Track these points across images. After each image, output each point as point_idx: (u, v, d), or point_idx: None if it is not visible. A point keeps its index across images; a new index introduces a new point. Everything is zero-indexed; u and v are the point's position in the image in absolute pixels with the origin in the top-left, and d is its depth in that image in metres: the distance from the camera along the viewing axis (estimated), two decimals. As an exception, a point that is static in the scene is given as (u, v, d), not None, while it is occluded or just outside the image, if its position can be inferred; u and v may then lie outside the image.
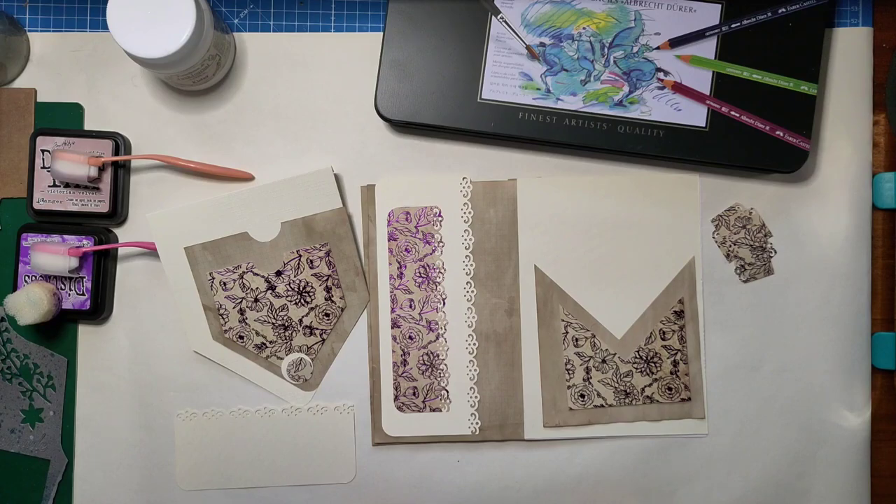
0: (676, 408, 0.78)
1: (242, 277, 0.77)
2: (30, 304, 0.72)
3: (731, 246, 0.78)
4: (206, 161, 0.77)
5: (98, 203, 0.76)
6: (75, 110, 0.77)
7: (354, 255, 0.77)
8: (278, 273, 0.77)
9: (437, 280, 0.78)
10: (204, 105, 0.78)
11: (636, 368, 0.78)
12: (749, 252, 0.78)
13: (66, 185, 0.76)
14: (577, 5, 0.75)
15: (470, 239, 0.78)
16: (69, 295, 0.76)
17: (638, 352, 0.78)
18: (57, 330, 0.78)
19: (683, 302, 0.78)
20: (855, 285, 0.79)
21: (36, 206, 0.76)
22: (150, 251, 0.77)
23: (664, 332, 0.78)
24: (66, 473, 0.78)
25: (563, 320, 0.78)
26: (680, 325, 0.78)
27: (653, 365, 0.78)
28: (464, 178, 0.78)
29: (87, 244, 0.75)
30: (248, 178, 0.77)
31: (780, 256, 0.78)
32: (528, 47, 0.74)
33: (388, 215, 0.78)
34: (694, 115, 0.75)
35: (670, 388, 0.78)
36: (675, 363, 0.78)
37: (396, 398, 0.78)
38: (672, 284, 0.78)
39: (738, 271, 0.79)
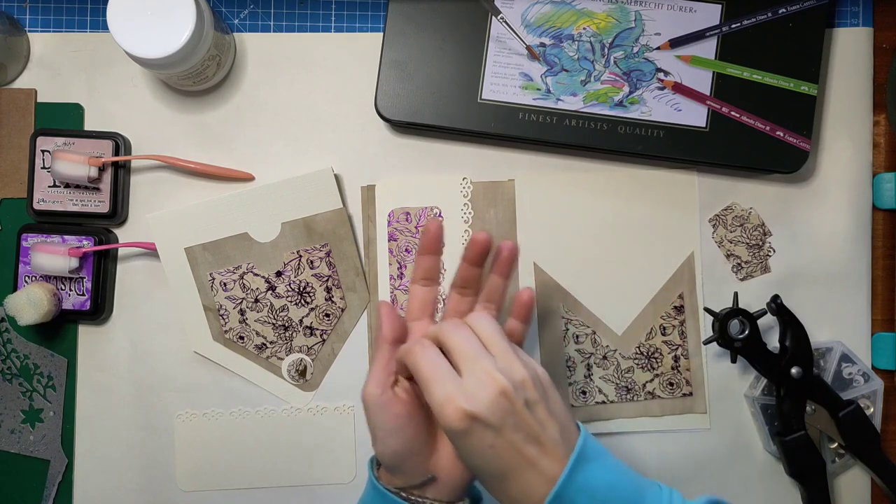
0: (678, 403, 0.78)
1: (243, 278, 0.77)
2: (30, 304, 0.72)
3: (728, 245, 0.78)
4: (206, 161, 0.77)
5: (98, 203, 0.76)
6: (75, 111, 0.77)
7: (355, 255, 0.77)
8: (278, 273, 0.77)
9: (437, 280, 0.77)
10: (204, 105, 0.78)
11: (637, 364, 0.78)
12: (745, 250, 0.79)
13: (67, 186, 0.75)
14: (577, 5, 0.75)
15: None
16: (69, 295, 0.76)
17: (639, 347, 0.78)
18: (57, 330, 0.78)
19: (683, 297, 0.78)
20: (855, 285, 0.79)
21: (36, 206, 0.76)
22: (151, 251, 0.77)
23: (664, 328, 0.78)
24: (66, 474, 0.78)
25: (563, 317, 0.78)
26: (680, 321, 0.78)
27: (654, 360, 0.78)
28: (464, 179, 0.78)
29: (87, 244, 0.75)
30: (249, 178, 0.77)
31: (781, 257, 0.78)
32: (528, 48, 0.74)
33: (389, 215, 0.78)
34: (694, 116, 0.75)
35: (671, 384, 0.78)
36: (675, 358, 0.78)
37: (397, 398, 0.78)
38: (672, 279, 0.78)
39: (735, 269, 0.79)
